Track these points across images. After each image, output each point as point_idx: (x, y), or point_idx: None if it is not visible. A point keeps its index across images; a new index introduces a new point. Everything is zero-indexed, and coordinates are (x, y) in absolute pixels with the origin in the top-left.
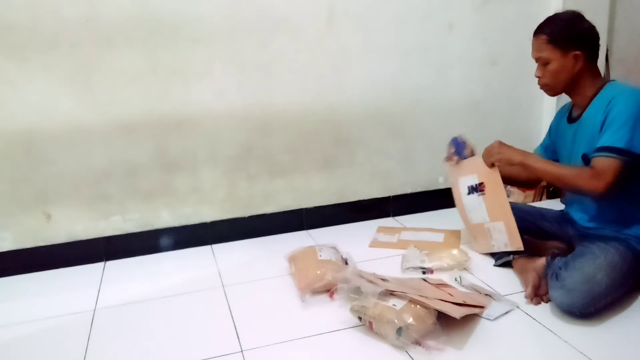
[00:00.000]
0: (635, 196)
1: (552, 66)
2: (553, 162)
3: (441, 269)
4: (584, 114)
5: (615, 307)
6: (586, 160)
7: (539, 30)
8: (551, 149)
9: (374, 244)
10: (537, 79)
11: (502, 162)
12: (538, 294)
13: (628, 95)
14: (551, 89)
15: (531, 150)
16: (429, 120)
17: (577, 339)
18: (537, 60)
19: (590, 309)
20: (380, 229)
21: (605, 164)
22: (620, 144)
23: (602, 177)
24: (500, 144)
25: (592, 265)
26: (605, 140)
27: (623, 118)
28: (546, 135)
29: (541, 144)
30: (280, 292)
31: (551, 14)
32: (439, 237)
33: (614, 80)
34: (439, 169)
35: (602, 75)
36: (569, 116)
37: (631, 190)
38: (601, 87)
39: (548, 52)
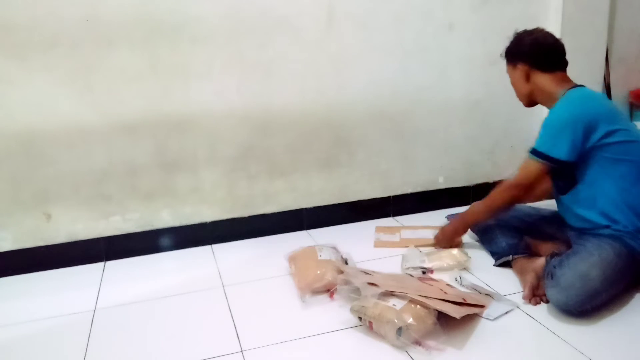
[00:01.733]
0: (602, 185)
1: (511, 80)
2: (482, 201)
3: (441, 269)
4: None
5: (613, 306)
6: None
7: None
8: None
9: (378, 243)
10: None
11: (457, 239)
12: (537, 294)
13: (563, 105)
14: (521, 101)
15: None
16: (429, 120)
17: (576, 339)
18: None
19: (586, 306)
20: (379, 229)
21: (523, 166)
22: (542, 148)
23: (517, 180)
24: (442, 232)
25: (586, 262)
26: (537, 145)
27: (549, 125)
28: None
29: None
30: (280, 292)
31: (551, 14)
32: None
33: (580, 86)
34: (439, 169)
35: (603, 76)
36: None
37: (597, 181)
38: (563, 95)
39: (507, 69)
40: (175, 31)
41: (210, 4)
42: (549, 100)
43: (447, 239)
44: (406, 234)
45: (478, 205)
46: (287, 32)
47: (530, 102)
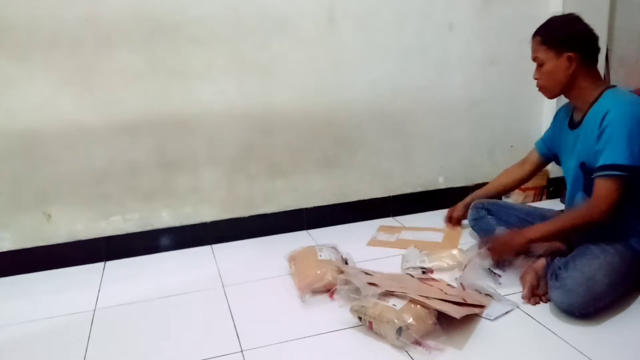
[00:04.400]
0: (637, 201)
1: (547, 67)
2: (552, 221)
3: (441, 269)
4: (583, 121)
5: (615, 307)
6: (584, 169)
7: (536, 32)
8: (550, 144)
9: (373, 242)
10: (535, 80)
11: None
12: (536, 294)
13: (620, 110)
14: (548, 91)
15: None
16: (429, 120)
17: (577, 339)
18: (534, 61)
19: (589, 309)
20: (382, 228)
21: (603, 189)
22: (620, 160)
23: (602, 204)
24: (502, 243)
25: (592, 265)
26: (606, 159)
27: (619, 134)
28: (549, 129)
29: (542, 138)
30: (280, 292)
31: (550, 14)
32: (438, 237)
33: (613, 86)
34: (439, 169)
35: (603, 76)
36: (571, 120)
37: (633, 196)
38: (600, 94)
39: (542, 53)
40: (175, 31)
41: (210, 4)
42: (583, 96)
43: (502, 253)
44: (405, 235)
45: (548, 226)
46: (287, 32)
47: (559, 94)
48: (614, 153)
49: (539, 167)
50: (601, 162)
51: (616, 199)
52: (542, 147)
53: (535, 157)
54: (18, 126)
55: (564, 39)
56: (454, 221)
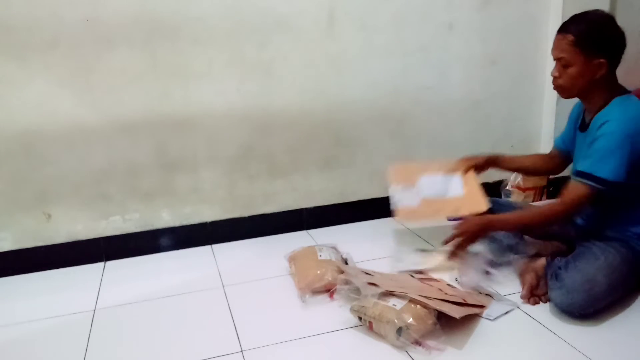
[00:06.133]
0: (635, 199)
1: (573, 70)
2: (516, 213)
3: (441, 269)
4: (590, 125)
5: (615, 307)
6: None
7: (566, 29)
8: (568, 141)
9: (402, 213)
10: (552, 77)
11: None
12: (536, 294)
13: (618, 123)
14: (565, 92)
15: (550, 143)
16: (429, 120)
17: (577, 339)
18: (557, 59)
19: (589, 309)
20: (395, 174)
21: (575, 192)
22: (600, 173)
23: (568, 207)
24: (467, 229)
25: (593, 266)
26: (588, 166)
27: (608, 147)
28: (566, 126)
29: (561, 135)
30: (280, 292)
31: (551, 14)
32: (459, 191)
33: (626, 93)
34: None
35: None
36: (582, 121)
37: (630, 195)
38: (610, 100)
39: (571, 55)
40: (175, 31)
41: (210, 4)
42: (595, 100)
43: (469, 240)
44: (425, 187)
45: (512, 218)
46: (287, 32)
47: (576, 96)
48: (597, 164)
49: (563, 163)
50: (582, 167)
51: (583, 205)
52: (560, 143)
53: (556, 154)
54: (18, 126)
55: (600, 44)
56: (464, 163)
